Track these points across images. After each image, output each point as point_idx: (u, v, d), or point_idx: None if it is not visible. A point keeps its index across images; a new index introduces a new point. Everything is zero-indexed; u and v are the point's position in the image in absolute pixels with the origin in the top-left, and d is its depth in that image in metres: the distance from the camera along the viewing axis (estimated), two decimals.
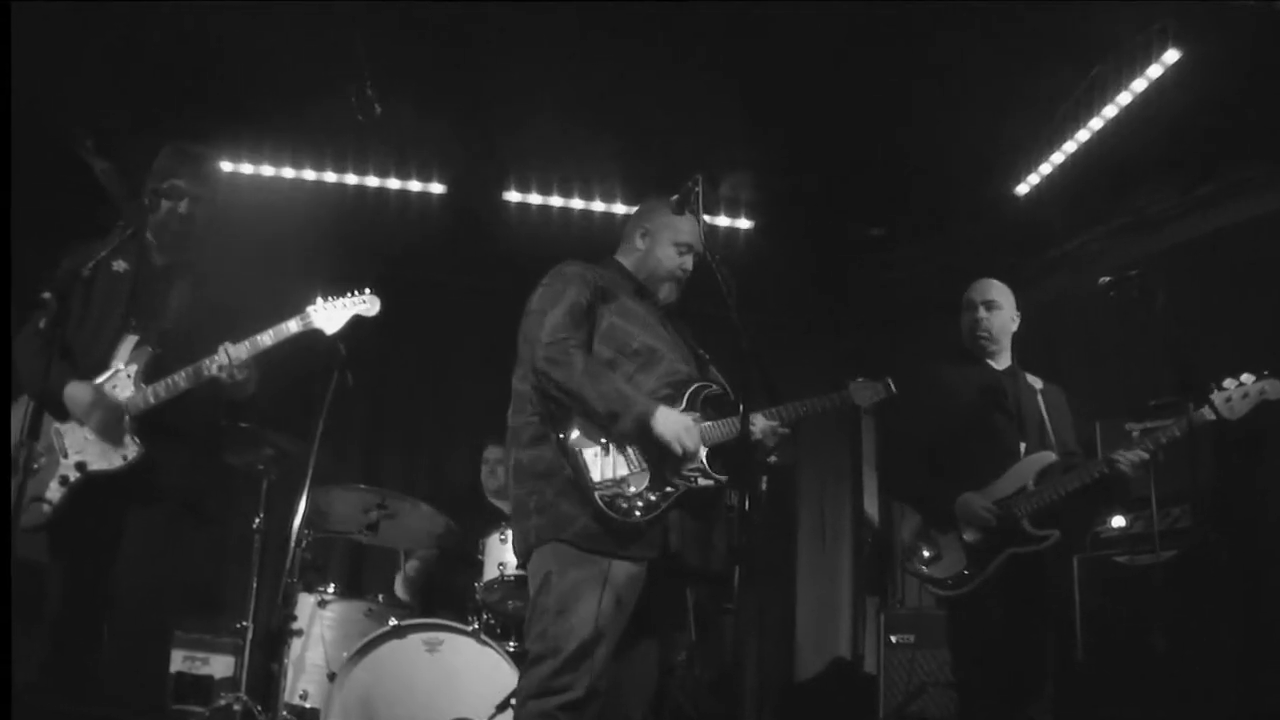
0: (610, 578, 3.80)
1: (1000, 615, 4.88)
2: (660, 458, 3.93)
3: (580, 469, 3.87)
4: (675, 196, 4.17)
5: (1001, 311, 5.27)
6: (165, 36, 6.28)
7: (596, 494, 3.83)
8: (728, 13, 5.83)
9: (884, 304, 8.57)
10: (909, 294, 8.24)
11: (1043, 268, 7.64)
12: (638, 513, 3.84)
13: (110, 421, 4.34)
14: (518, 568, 5.40)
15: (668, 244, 4.34)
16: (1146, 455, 4.82)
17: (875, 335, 8.62)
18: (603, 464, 3.90)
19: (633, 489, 3.88)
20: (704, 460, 4.01)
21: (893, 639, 6.91)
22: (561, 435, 3.92)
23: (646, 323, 4.18)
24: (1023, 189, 7.23)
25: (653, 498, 3.89)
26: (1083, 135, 6.62)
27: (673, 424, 3.92)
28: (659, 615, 4.04)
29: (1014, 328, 5.33)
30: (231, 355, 4.36)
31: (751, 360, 3.64)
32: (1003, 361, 5.30)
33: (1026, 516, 4.87)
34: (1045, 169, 7.04)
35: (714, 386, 4.15)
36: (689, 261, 4.36)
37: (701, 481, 3.98)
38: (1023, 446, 5.08)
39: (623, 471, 3.90)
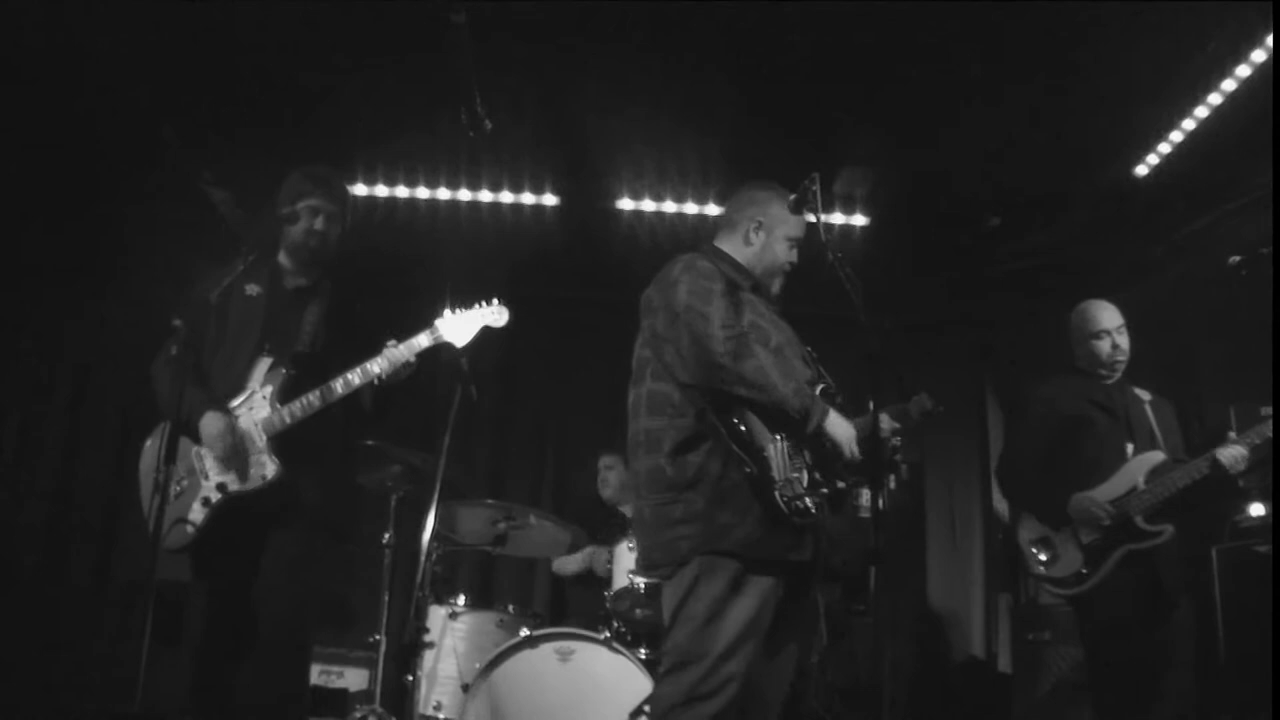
0: (763, 586, 3.78)
1: (1123, 613, 4.89)
2: (819, 459, 3.89)
3: (764, 466, 3.78)
4: (793, 196, 4.12)
5: (1127, 331, 5.28)
6: (281, 68, 6.39)
7: (777, 492, 3.76)
8: (832, 9, 5.79)
9: (1007, 295, 8.44)
10: (1032, 283, 8.11)
11: (1168, 250, 7.47)
12: (813, 511, 3.79)
13: (237, 451, 4.42)
14: (634, 574, 5.44)
15: (782, 239, 4.27)
16: (1246, 450, 4.76)
17: (1001, 328, 8.50)
18: (780, 461, 3.82)
19: (803, 487, 3.82)
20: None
21: (1028, 637, 6.80)
22: (744, 429, 3.81)
23: (774, 321, 4.13)
24: (1142, 170, 7.07)
25: (815, 499, 3.83)
26: (1201, 112, 6.43)
27: (845, 428, 3.90)
28: (797, 618, 4.00)
29: None
30: (393, 356, 4.48)
31: (880, 362, 3.59)
32: (1118, 376, 5.33)
33: (1140, 514, 4.90)
34: (1164, 149, 6.85)
35: (829, 386, 4.10)
36: (796, 255, 4.31)
37: (839, 484, 3.95)
38: (1130, 448, 5.11)
39: (791, 473, 3.82)
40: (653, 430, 3.94)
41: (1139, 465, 5.02)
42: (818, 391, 4.00)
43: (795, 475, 3.81)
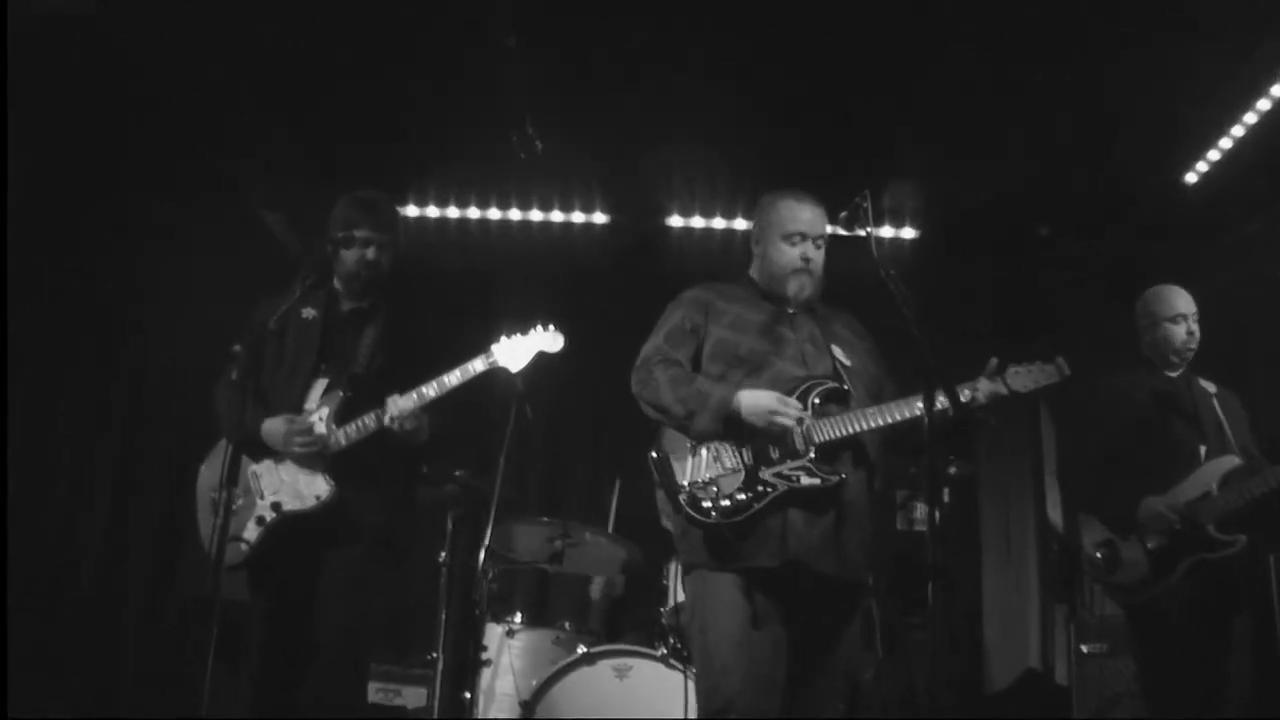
0: (731, 591, 3.82)
1: (1185, 622, 4.76)
2: (759, 455, 3.88)
3: (667, 476, 3.89)
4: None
5: (1199, 320, 5.17)
6: (335, 91, 6.46)
7: (681, 498, 3.82)
8: (879, 22, 5.80)
9: (1058, 304, 8.39)
10: (1082, 292, 8.06)
11: (1219, 256, 7.41)
12: (714, 513, 3.78)
13: (313, 445, 4.46)
14: None
15: (776, 240, 4.26)
16: None
17: (1054, 337, 8.44)
18: (690, 467, 3.88)
19: (718, 489, 3.82)
20: (812, 457, 3.90)
21: (1084, 648, 6.74)
22: (654, 452, 3.97)
23: (765, 328, 4.14)
24: (1191, 177, 7.02)
25: (742, 498, 3.82)
26: (1250, 118, 6.40)
27: (759, 400, 3.88)
28: (829, 628, 3.97)
29: None
30: (399, 407, 4.42)
31: (935, 375, 3.58)
32: (1177, 368, 5.19)
33: (1212, 522, 4.74)
34: (1214, 155, 6.81)
35: (828, 383, 4.03)
36: (809, 249, 4.23)
37: (805, 480, 3.86)
38: (1203, 450, 4.96)
39: (712, 474, 3.85)
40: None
41: (1213, 470, 4.86)
42: (803, 388, 3.99)
43: (714, 477, 3.85)
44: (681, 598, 5.69)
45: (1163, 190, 7.17)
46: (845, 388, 4.02)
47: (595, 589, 6.98)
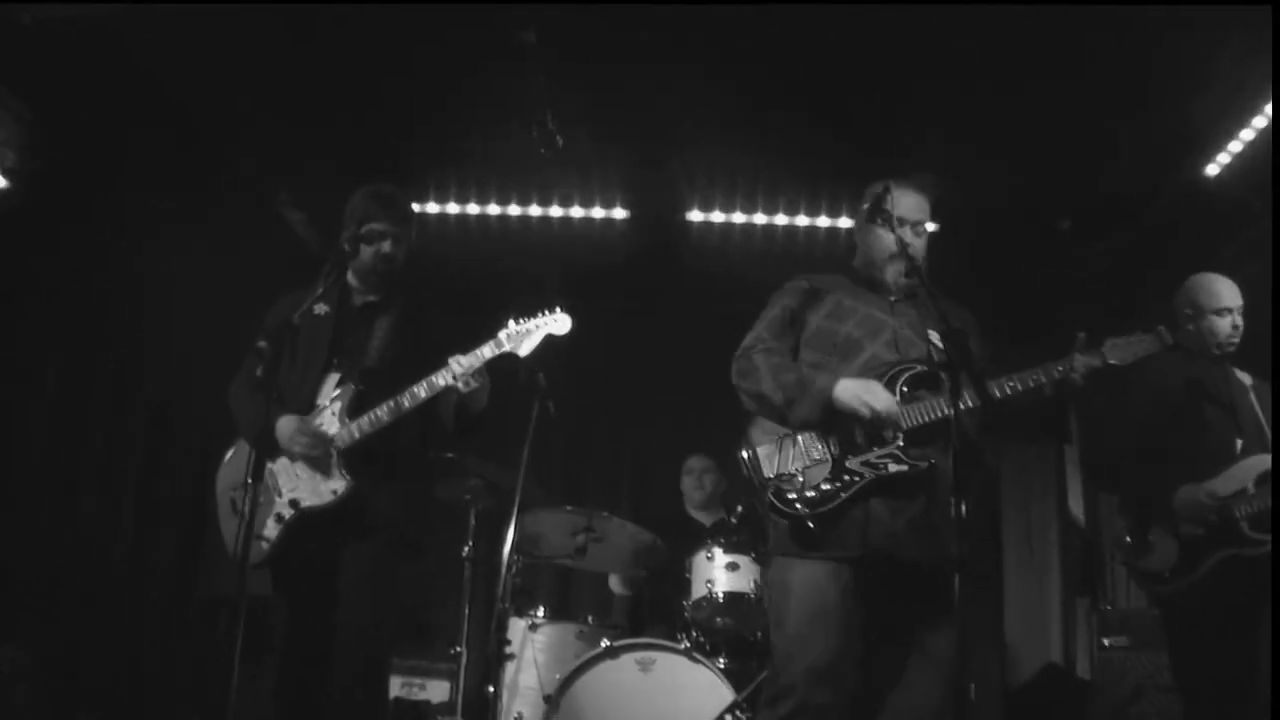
0: (814, 583, 3.79)
1: (1215, 616, 4.71)
2: (845, 444, 3.85)
3: (756, 468, 3.86)
4: (865, 206, 4.15)
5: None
6: (354, 88, 6.48)
7: (769, 491, 3.81)
8: (900, 16, 5.79)
9: (1080, 297, 8.35)
10: (1104, 286, 8.03)
11: (1241, 250, 7.37)
12: (799, 505, 3.78)
13: (315, 448, 4.46)
14: (755, 593, 5.52)
15: (874, 226, 4.19)
16: None
17: (1074, 331, 8.39)
18: (778, 459, 3.85)
19: (804, 480, 3.81)
20: (900, 444, 3.86)
21: (1105, 642, 6.72)
22: (744, 451, 3.95)
23: (863, 315, 4.12)
24: (1213, 170, 6.99)
25: (827, 488, 3.80)
26: (1270, 109, 6.36)
27: (852, 388, 3.84)
28: (921, 617, 3.87)
29: None
30: (463, 365, 4.42)
31: (959, 367, 3.55)
32: (1216, 358, 5.11)
33: (1246, 520, 4.68)
34: (1235, 147, 6.78)
35: (917, 367, 3.98)
36: (907, 234, 4.19)
37: (894, 467, 3.83)
38: (1239, 444, 4.88)
39: (799, 465, 3.82)
40: None
41: (1250, 468, 4.78)
42: (893, 373, 3.96)
43: (801, 468, 3.83)
44: (703, 591, 5.72)
45: (1185, 184, 7.13)
46: (941, 374, 3.93)
47: (617, 583, 7.00)
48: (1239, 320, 5.05)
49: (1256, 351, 5.10)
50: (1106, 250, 7.97)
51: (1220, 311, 5.06)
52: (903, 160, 6.98)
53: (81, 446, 8.19)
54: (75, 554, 7.87)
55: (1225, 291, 5.10)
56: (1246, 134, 6.62)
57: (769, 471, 3.86)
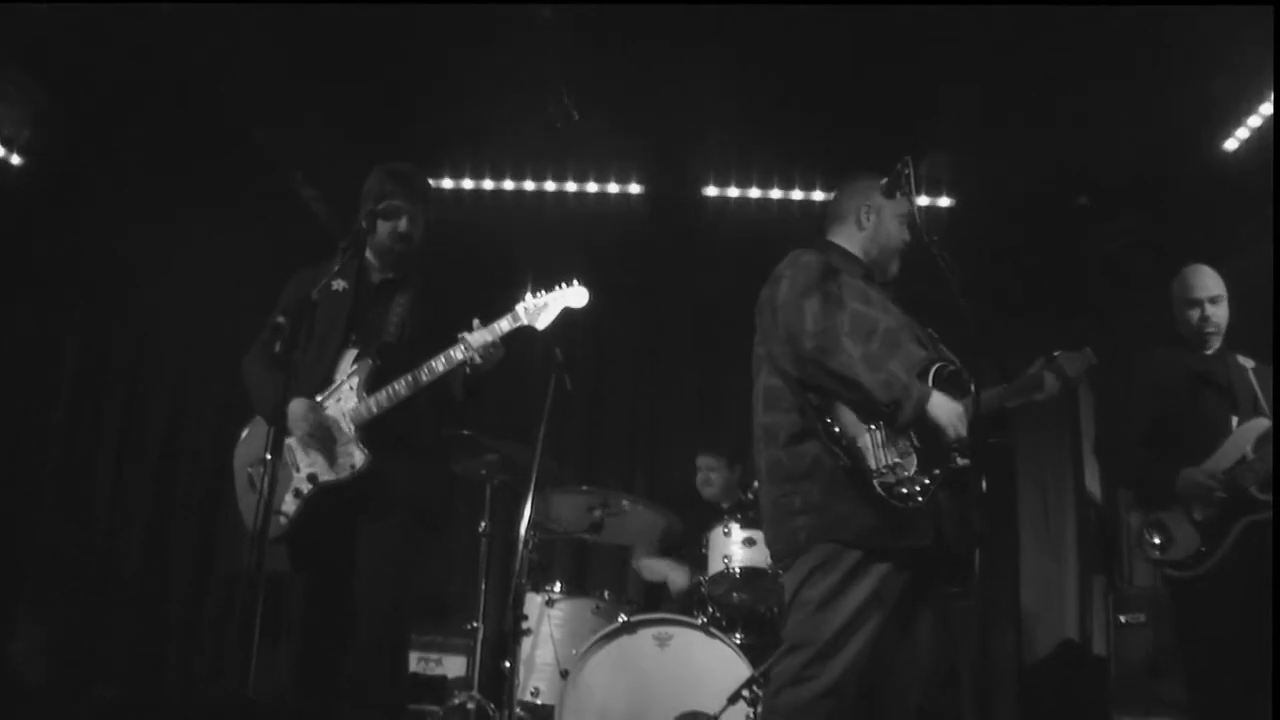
0: (879, 574, 3.78)
1: (1240, 590, 4.72)
2: (928, 441, 3.85)
3: (858, 456, 3.80)
4: (884, 180, 4.13)
5: (1224, 302, 5.14)
6: (370, 64, 6.47)
7: (876, 481, 3.76)
8: None
9: (1097, 275, 8.32)
10: (1122, 263, 7.99)
11: (1260, 227, 7.33)
12: (919, 497, 3.77)
13: (319, 431, 4.47)
14: (773, 568, 5.40)
15: (892, 218, 4.23)
16: None
17: (1095, 311, 8.38)
18: (877, 451, 3.82)
19: (907, 473, 3.80)
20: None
21: (1122, 619, 6.73)
22: (830, 422, 3.83)
23: (884, 306, 4.11)
24: (1232, 145, 6.94)
25: (926, 481, 3.80)
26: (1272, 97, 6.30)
27: (949, 409, 3.85)
28: (927, 609, 3.97)
29: None
30: (478, 340, 4.43)
31: (981, 345, 3.56)
32: (1215, 347, 5.18)
33: (1254, 484, 4.72)
34: (1255, 122, 6.71)
35: (950, 365, 4.03)
36: (908, 233, 4.26)
37: (960, 461, 3.86)
38: (1234, 420, 4.96)
39: (895, 458, 3.82)
40: (769, 425, 4.00)
41: (1245, 434, 4.86)
42: (933, 371, 3.97)
43: (898, 461, 3.80)
44: (719, 567, 5.72)
45: (1204, 160, 7.08)
46: (965, 375, 3.98)
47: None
48: (1210, 311, 5.13)
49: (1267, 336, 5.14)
50: (1123, 228, 7.93)
51: (1190, 303, 5.17)
52: (923, 135, 7.02)
53: (100, 423, 8.24)
54: (93, 531, 7.94)
55: (1196, 283, 5.18)
56: (1266, 108, 6.55)
57: (872, 462, 3.80)
